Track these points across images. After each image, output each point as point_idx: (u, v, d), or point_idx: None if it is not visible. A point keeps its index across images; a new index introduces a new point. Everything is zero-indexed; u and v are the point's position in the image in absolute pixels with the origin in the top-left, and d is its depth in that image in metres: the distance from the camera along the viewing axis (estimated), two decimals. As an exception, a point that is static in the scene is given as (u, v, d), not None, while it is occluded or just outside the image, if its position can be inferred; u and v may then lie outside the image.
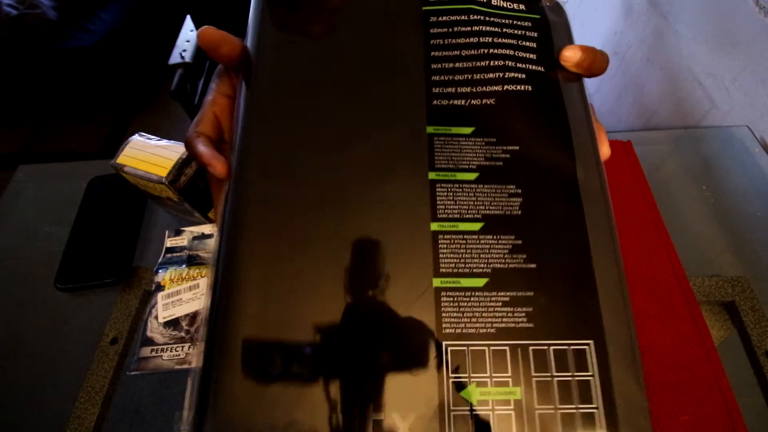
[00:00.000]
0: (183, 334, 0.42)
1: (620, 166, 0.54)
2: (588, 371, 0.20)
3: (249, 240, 0.21)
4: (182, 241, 0.49)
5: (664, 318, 0.43)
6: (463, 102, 0.24)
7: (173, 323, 0.43)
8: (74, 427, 0.39)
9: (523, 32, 0.26)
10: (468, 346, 0.20)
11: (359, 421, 0.19)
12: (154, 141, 0.45)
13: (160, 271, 0.46)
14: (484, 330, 0.20)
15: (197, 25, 0.80)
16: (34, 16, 1.29)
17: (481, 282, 0.21)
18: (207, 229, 0.50)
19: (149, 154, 0.44)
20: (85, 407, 0.40)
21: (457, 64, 0.25)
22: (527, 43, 0.25)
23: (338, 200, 0.22)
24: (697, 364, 0.40)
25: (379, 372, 0.20)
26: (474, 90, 0.24)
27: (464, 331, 0.20)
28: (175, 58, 0.77)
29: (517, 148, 0.23)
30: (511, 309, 0.20)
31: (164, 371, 0.41)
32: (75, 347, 0.43)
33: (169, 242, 0.49)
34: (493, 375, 0.20)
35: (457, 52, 0.25)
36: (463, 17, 0.25)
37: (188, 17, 0.82)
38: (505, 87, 0.24)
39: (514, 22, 0.26)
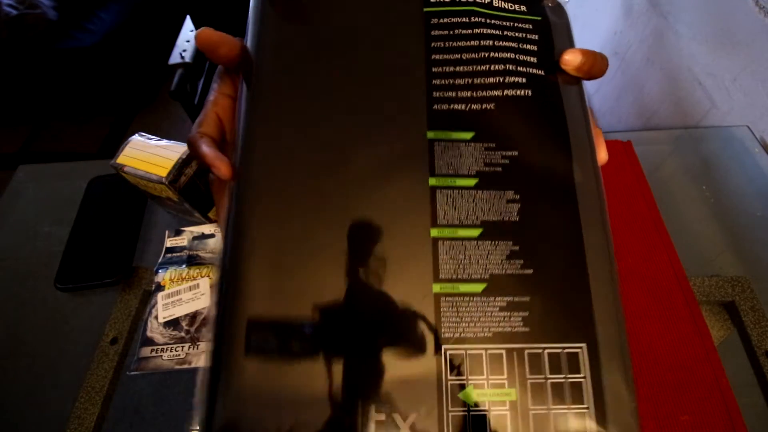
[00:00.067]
0: (183, 334, 0.42)
1: (620, 166, 0.54)
2: (580, 373, 0.20)
3: (254, 242, 0.21)
4: (182, 241, 0.49)
5: (664, 318, 0.43)
6: (463, 106, 0.24)
7: (173, 323, 0.43)
8: (74, 427, 0.39)
9: (524, 35, 0.26)
10: (466, 350, 0.20)
11: (362, 422, 0.19)
12: (154, 141, 0.45)
13: (160, 271, 0.46)
14: (482, 334, 0.21)
15: (197, 25, 0.80)
16: (34, 16, 1.29)
17: (479, 287, 0.21)
18: (207, 229, 0.50)
19: (149, 154, 0.44)
20: (85, 407, 0.40)
21: (457, 68, 0.25)
22: (528, 46, 0.25)
23: (339, 205, 0.22)
24: (697, 364, 0.40)
25: (380, 374, 0.20)
26: (474, 94, 0.24)
27: (462, 335, 0.21)
28: (175, 58, 0.77)
29: (516, 153, 0.23)
30: (508, 314, 0.21)
31: (164, 371, 0.41)
32: (75, 347, 0.43)
33: (169, 242, 0.49)
34: (490, 377, 0.20)
35: (458, 56, 0.25)
36: (464, 19, 0.25)
37: (188, 17, 0.83)
38: (505, 92, 0.24)
39: (515, 24, 0.26)
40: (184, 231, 0.50)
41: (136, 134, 0.46)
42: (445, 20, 0.25)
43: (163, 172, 0.43)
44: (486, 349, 0.21)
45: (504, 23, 0.26)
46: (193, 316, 0.43)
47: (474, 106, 0.24)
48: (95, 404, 0.40)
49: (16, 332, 0.45)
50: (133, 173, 0.44)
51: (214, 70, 0.27)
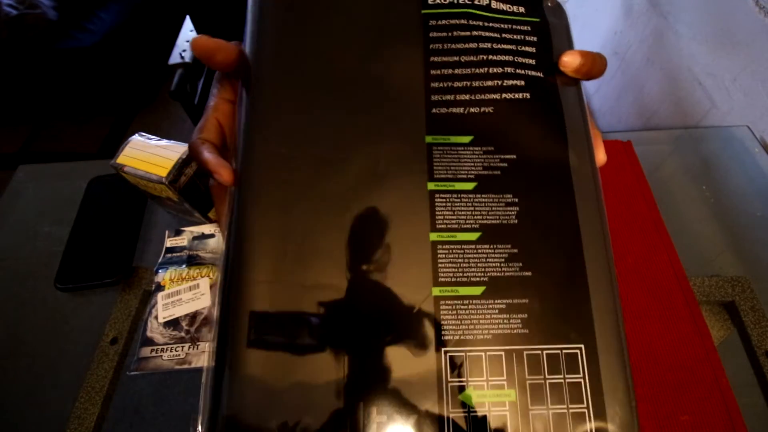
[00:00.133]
0: (183, 334, 0.42)
1: (620, 166, 0.54)
2: (579, 373, 0.21)
3: (255, 244, 0.21)
4: (182, 241, 0.49)
5: (664, 318, 0.43)
6: (461, 110, 0.24)
7: (173, 323, 0.43)
8: (74, 427, 0.39)
9: (523, 37, 0.26)
10: (466, 352, 0.21)
11: (363, 423, 0.19)
12: (154, 141, 0.45)
13: (160, 271, 0.46)
14: (482, 336, 0.21)
15: (197, 26, 0.80)
16: (34, 16, 1.29)
17: (478, 290, 0.21)
18: (207, 229, 0.50)
19: (149, 154, 0.44)
20: (85, 407, 0.40)
21: (456, 71, 0.25)
22: (526, 48, 0.25)
23: (339, 209, 0.22)
24: (697, 364, 0.40)
25: (381, 376, 0.20)
26: (473, 98, 0.24)
27: (462, 337, 0.21)
28: (175, 58, 0.77)
29: (515, 156, 0.24)
30: (507, 316, 0.21)
31: (164, 371, 0.41)
32: (75, 347, 0.43)
33: (169, 242, 0.49)
34: (490, 378, 0.20)
35: (456, 58, 0.25)
36: (462, 21, 0.25)
37: (188, 17, 0.83)
38: (504, 95, 0.24)
39: (514, 26, 0.26)
40: (184, 231, 0.50)
41: (136, 134, 0.46)
42: (444, 22, 0.25)
43: (163, 172, 0.43)
44: (485, 351, 0.21)
45: (502, 25, 0.26)
46: (193, 316, 0.43)
47: (472, 110, 0.24)
48: (95, 404, 0.40)
49: (16, 332, 0.45)
50: (133, 173, 0.44)
51: (213, 70, 0.27)
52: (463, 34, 0.25)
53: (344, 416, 0.19)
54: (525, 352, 0.21)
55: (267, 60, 0.24)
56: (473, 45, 0.25)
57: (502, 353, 0.21)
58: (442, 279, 0.21)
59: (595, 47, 0.25)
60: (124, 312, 0.45)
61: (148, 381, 0.41)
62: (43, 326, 0.45)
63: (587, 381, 0.21)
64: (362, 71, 0.24)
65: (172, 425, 0.39)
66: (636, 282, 0.45)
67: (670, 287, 0.44)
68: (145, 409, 0.40)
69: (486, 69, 0.25)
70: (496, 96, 0.24)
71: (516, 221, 0.22)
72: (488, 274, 0.22)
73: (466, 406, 0.20)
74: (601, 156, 0.25)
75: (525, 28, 0.26)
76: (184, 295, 0.44)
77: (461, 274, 0.22)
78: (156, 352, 0.41)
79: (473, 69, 0.25)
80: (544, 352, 0.21)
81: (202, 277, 0.46)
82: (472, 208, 0.23)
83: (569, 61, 0.24)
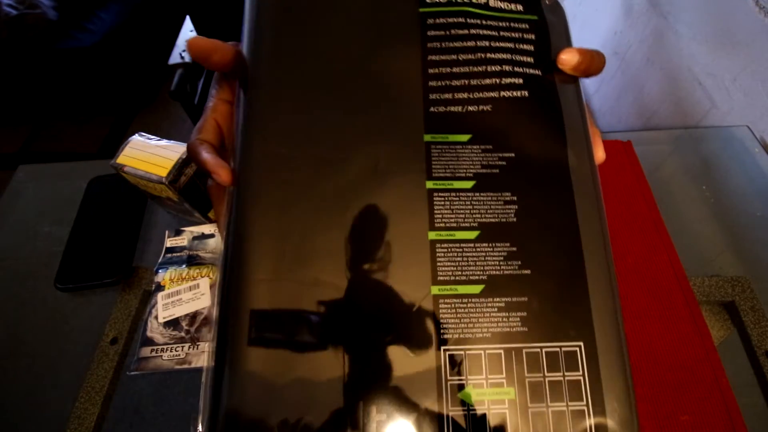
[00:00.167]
0: (183, 334, 0.42)
1: (620, 166, 0.54)
2: (578, 371, 0.21)
3: (254, 242, 0.21)
4: (182, 241, 0.49)
5: (664, 318, 0.43)
6: (460, 108, 0.24)
7: (173, 323, 0.43)
8: (74, 427, 0.39)
9: (521, 35, 0.26)
10: (465, 350, 0.21)
11: (363, 422, 0.19)
12: (154, 141, 0.45)
13: (160, 271, 0.46)
14: (481, 335, 0.21)
15: (197, 26, 0.80)
16: (34, 16, 1.29)
17: (477, 289, 0.21)
18: (207, 229, 0.50)
19: (149, 154, 0.44)
20: (85, 407, 0.40)
21: (454, 69, 0.24)
22: (524, 46, 0.25)
23: (338, 208, 0.22)
24: (697, 364, 0.40)
25: (380, 375, 0.20)
26: (471, 96, 0.24)
27: (461, 336, 0.21)
28: (175, 58, 0.77)
29: (513, 154, 0.24)
30: (506, 314, 0.21)
31: (164, 371, 0.41)
32: (75, 347, 0.43)
33: (169, 242, 0.49)
34: (489, 377, 0.20)
35: (454, 57, 0.25)
36: (460, 20, 0.25)
37: (188, 17, 0.83)
38: (502, 93, 0.24)
39: (512, 24, 0.26)
40: (184, 231, 0.50)
41: (136, 134, 0.46)
42: (441, 21, 0.25)
43: (163, 172, 0.43)
44: (485, 349, 0.21)
45: (500, 23, 0.26)
46: (193, 316, 0.43)
47: (471, 108, 0.24)
48: (95, 404, 0.40)
49: (16, 332, 0.45)
50: (133, 173, 0.44)
51: (213, 71, 0.27)
52: (461, 32, 0.25)
53: (344, 415, 0.19)
54: (524, 350, 0.21)
55: (264, 60, 0.24)
56: (471, 43, 0.25)
57: (502, 351, 0.21)
58: (441, 278, 0.21)
59: (595, 47, 0.25)
60: (124, 312, 0.45)
61: (148, 381, 0.41)
62: (43, 326, 0.45)
63: (586, 378, 0.21)
64: (360, 70, 0.24)
65: (172, 425, 0.39)
66: (636, 282, 0.45)
67: (670, 287, 0.44)
68: (145, 409, 0.40)
69: (484, 67, 0.25)
70: (495, 94, 0.24)
71: (515, 219, 0.22)
72: (487, 273, 0.22)
73: (465, 404, 0.20)
74: (600, 154, 0.25)
75: (523, 26, 0.26)
76: (184, 295, 0.44)
77: (460, 273, 0.22)
78: (156, 352, 0.41)
79: (471, 67, 0.25)
80: (544, 350, 0.21)
81: (202, 277, 0.46)
82: (471, 207, 0.22)
83: (567, 58, 0.24)
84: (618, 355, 0.21)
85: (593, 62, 0.25)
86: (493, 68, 0.25)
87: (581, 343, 0.21)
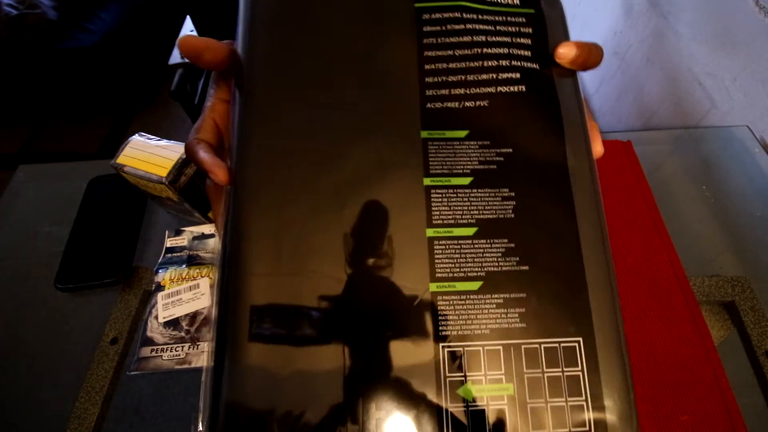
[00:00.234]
0: (183, 334, 0.42)
1: (620, 166, 0.54)
2: (577, 366, 0.21)
3: (252, 240, 0.21)
4: (182, 241, 0.49)
5: (664, 318, 0.43)
6: (456, 104, 0.24)
7: (173, 323, 0.43)
8: (74, 427, 0.39)
9: (517, 29, 0.25)
10: (464, 347, 0.21)
11: (362, 419, 0.20)
12: (154, 141, 0.45)
13: (160, 271, 0.46)
14: (479, 331, 0.21)
15: (197, 26, 0.80)
16: (34, 16, 1.29)
17: (475, 285, 0.21)
18: (207, 229, 0.50)
19: (149, 154, 0.44)
20: (85, 407, 0.40)
21: (450, 65, 0.24)
22: (521, 40, 0.25)
23: (335, 206, 0.22)
24: (697, 364, 0.40)
25: (379, 372, 0.20)
26: (468, 92, 0.24)
27: (460, 332, 0.21)
28: (175, 58, 0.77)
29: (511, 150, 0.23)
30: (505, 310, 0.21)
31: (164, 371, 0.41)
32: (75, 347, 0.43)
33: (169, 242, 0.49)
34: (488, 373, 0.21)
35: (450, 52, 0.24)
36: (456, 14, 0.25)
37: (188, 17, 0.83)
38: (499, 88, 0.24)
39: (508, 18, 0.25)
40: (184, 231, 0.50)
41: (136, 134, 0.46)
42: (437, 16, 0.25)
43: (163, 172, 0.43)
44: (483, 346, 0.21)
45: (496, 18, 0.25)
46: (193, 316, 0.43)
47: (468, 104, 0.24)
48: (95, 404, 0.40)
49: (16, 332, 0.45)
50: (133, 173, 0.44)
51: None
52: (457, 27, 0.25)
53: (343, 411, 0.20)
54: (523, 346, 0.21)
55: (259, 58, 0.24)
56: (467, 38, 0.25)
57: (500, 347, 0.21)
58: (439, 274, 0.21)
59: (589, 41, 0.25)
60: (124, 312, 0.45)
61: (148, 381, 0.41)
62: (43, 326, 0.45)
63: (585, 374, 0.21)
64: (355, 67, 0.24)
65: (172, 425, 0.39)
66: (636, 282, 0.45)
67: (670, 287, 0.44)
68: (145, 409, 0.40)
69: (481, 62, 0.24)
70: (492, 89, 0.24)
71: (513, 215, 0.22)
72: (485, 269, 0.22)
73: (464, 400, 0.20)
74: (598, 148, 0.25)
75: (520, 20, 0.26)
76: (184, 295, 0.44)
77: (458, 270, 0.22)
78: (156, 352, 0.41)
79: (468, 62, 0.24)
80: (542, 345, 0.21)
81: (202, 277, 0.46)
82: (469, 203, 0.22)
83: (565, 52, 0.24)
84: (617, 350, 0.21)
85: (591, 55, 0.25)
86: (490, 63, 0.24)
87: (580, 339, 0.21)
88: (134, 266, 0.48)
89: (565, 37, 0.26)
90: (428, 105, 0.24)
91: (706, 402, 0.38)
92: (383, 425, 0.19)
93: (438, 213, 0.22)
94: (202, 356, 0.41)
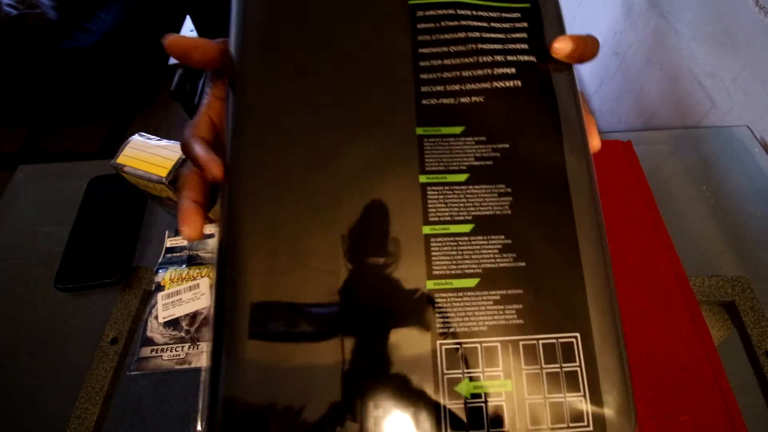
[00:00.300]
0: (183, 334, 0.42)
1: (620, 166, 0.54)
2: (575, 362, 0.21)
3: (247, 237, 0.21)
4: (182, 241, 0.49)
5: (664, 318, 0.43)
6: (452, 101, 0.24)
7: (173, 323, 0.43)
8: (74, 427, 0.39)
9: (513, 24, 0.25)
10: (462, 344, 0.21)
11: (360, 418, 0.19)
12: (154, 141, 0.45)
13: (160, 271, 0.46)
14: (477, 328, 0.21)
15: (197, 26, 0.80)
16: (34, 16, 1.29)
17: (472, 282, 0.21)
18: (207, 229, 0.50)
19: (149, 154, 0.44)
20: (85, 407, 0.40)
21: (445, 61, 0.24)
22: (517, 35, 0.25)
23: (330, 203, 0.22)
24: (697, 364, 0.40)
25: (376, 370, 0.20)
26: (463, 88, 0.24)
27: (458, 329, 0.21)
28: (175, 58, 0.77)
29: (507, 146, 0.23)
30: (502, 307, 0.21)
31: (164, 371, 0.41)
32: (75, 347, 0.43)
33: (169, 242, 0.49)
34: (486, 369, 0.20)
35: (445, 49, 0.24)
36: (450, 11, 0.25)
37: (188, 17, 0.83)
38: (494, 84, 0.24)
39: (503, 14, 0.25)
40: (184, 231, 0.50)
41: (136, 134, 0.46)
42: (431, 13, 0.25)
43: (163, 172, 0.43)
44: (481, 343, 0.21)
45: (491, 14, 0.25)
46: (193, 316, 0.43)
47: (463, 100, 0.24)
48: (95, 404, 0.40)
49: (16, 332, 0.45)
50: (133, 173, 0.44)
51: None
52: (451, 23, 0.25)
53: (341, 409, 0.20)
54: (521, 343, 0.21)
55: (251, 56, 0.24)
56: (462, 34, 0.25)
57: (498, 344, 0.21)
58: (436, 272, 0.21)
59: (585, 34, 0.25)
60: (124, 312, 0.45)
61: (148, 381, 0.41)
62: (43, 326, 0.45)
63: (583, 369, 0.21)
64: (349, 65, 0.24)
65: (172, 425, 0.39)
66: (636, 282, 0.45)
67: (670, 287, 0.44)
68: (145, 409, 0.40)
69: (476, 58, 0.24)
70: (487, 85, 0.24)
71: (509, 212, 0.22)
72: (482, 266, 0.22)
73: (462, 397, 0.20)
74: (595, 142, 0.25)
75: (515, 14, 0.25)
76: (184, 295, 0.44)
77: (455, 267, 0.21)
78: (156, 352, 0.41)
79: (463, 59, 0.24)
80: (540, 341, 0.21)
81: (202, 277, 0.46)
82: (465, 200, 0.22)
83: (561, 47, 0.24)
84: (615, 345, 0.21)
85: (587, 48, 0.24)
86: (485, 59, 0.24)
87: (578, 334, 0.21)
88: (134, 266, 0.48)
89: (560, 31, 0.26)
90: (423, 101, 0.24)
91: (706, 402, 0.38)
92: (381, 423, 0.19)
93: (434, 210, 0.22)
94: (202, 356, 0.41)
